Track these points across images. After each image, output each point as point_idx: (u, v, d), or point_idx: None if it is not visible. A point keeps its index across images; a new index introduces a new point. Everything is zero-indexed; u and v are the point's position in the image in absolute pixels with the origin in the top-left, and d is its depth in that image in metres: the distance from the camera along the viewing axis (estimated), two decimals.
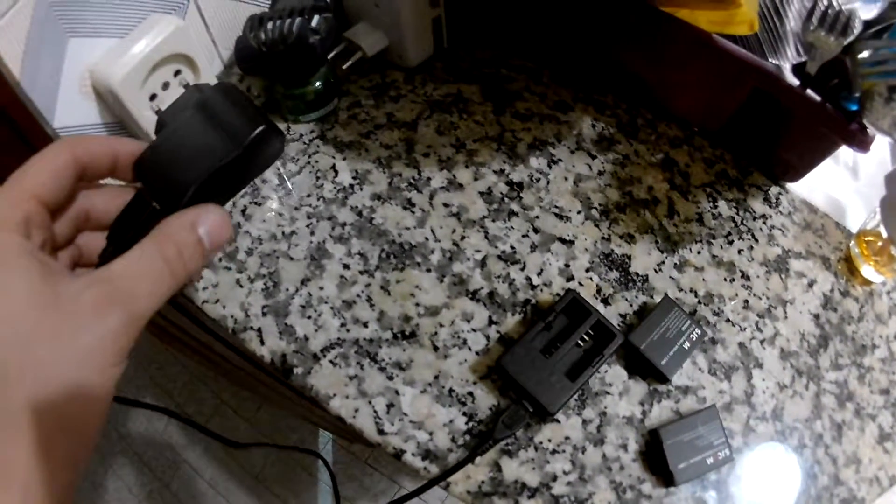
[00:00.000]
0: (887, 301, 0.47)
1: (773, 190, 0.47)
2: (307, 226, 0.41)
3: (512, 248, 0.40)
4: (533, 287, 0.39)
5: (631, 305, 0.39)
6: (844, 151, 0.53)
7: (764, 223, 0.45)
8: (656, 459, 0.36)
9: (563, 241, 0.41)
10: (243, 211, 0.42)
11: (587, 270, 0.40)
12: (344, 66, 0.46)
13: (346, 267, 0.39)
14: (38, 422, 0.17)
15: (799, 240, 0.45)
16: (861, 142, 0.42)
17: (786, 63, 0.45)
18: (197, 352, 0.74)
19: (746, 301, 0.42)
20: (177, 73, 0.43)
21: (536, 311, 0.38)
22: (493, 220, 0.41)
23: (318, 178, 0.43)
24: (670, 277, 0.41)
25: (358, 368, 0.36)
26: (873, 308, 0.46)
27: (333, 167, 0.43)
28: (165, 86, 0.42)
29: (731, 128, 0.46)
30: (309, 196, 0.42)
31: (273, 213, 0.41)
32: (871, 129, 0.42)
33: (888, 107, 0.41)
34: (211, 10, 0.45)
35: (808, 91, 0.42)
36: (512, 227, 0.41)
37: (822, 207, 0.49)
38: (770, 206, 0.46)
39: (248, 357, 0.58)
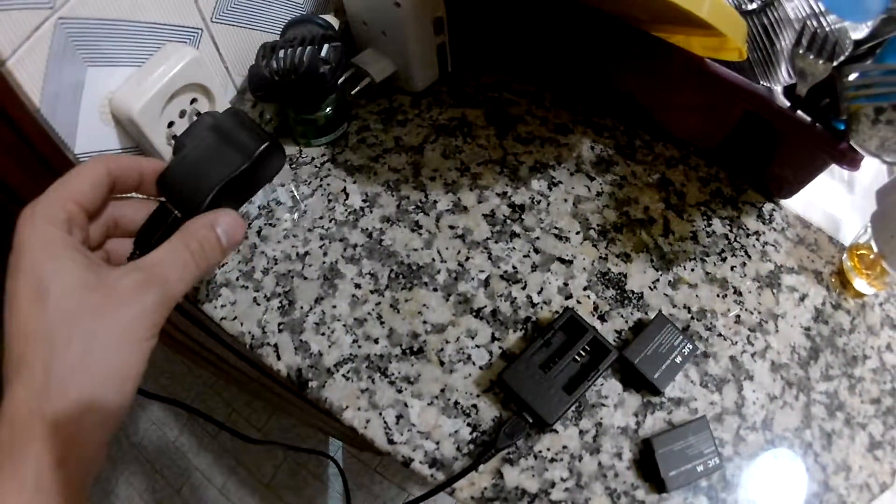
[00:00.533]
0: (879, 313, 0.50)
1: (767, 206, 0.50)
2: (320, 247, 0.45)
3: (514, 268, 0.44)
4: (533, 305, 0.43)
5: (626, 322, 0.43)
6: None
7: (757, 240, 0.49)
8: (649, 467, 0.40)
9: (562, 260, 0.45)
10: (259, 232, 0.46)
11: (585, 289, 0.44)
12: (353, 92, 0.51)
13: (358, 286, 0.43)
14: (81, 383, 0.22)
15: (791, 255, 0.49)
16: (851, 160, 0.46)
17: (778, 85, 0.49)
18: (209, 362, 0.79)
19: (738, 316, 0.45)
20: (193, 100, 0.47)
21: (536, 328, 0.42)
22: (496, 242, 0.45)
23: (329, 200, 0.47)
24: (664, 294, 0.45)
25: (369, 382, 0.40)
26: (865, 320, 0.50)
27: (344, 190, 0.48)
28: (182, 113, 0.46)
29: (726, 147, 0.50)
30: (321, 218, 0.46)
31: (288, 234, 0.46)
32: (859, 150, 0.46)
33: (875, 128, 0.44)
34: (224, 39, 0.50)
35: (799, 112, 0.46)
36: (514, 248, 0.45)
37: (817, 222, 0.52)
38: (763, 223, 0.50)
39: (263, 370, 0.63)
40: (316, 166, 0.49)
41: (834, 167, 0.56)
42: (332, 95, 0.49)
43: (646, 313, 0.44)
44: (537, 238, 0.45)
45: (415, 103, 0.52)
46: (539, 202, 0.47)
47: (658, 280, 0.45)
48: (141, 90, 0.43)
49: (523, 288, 0.44)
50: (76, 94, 0.40)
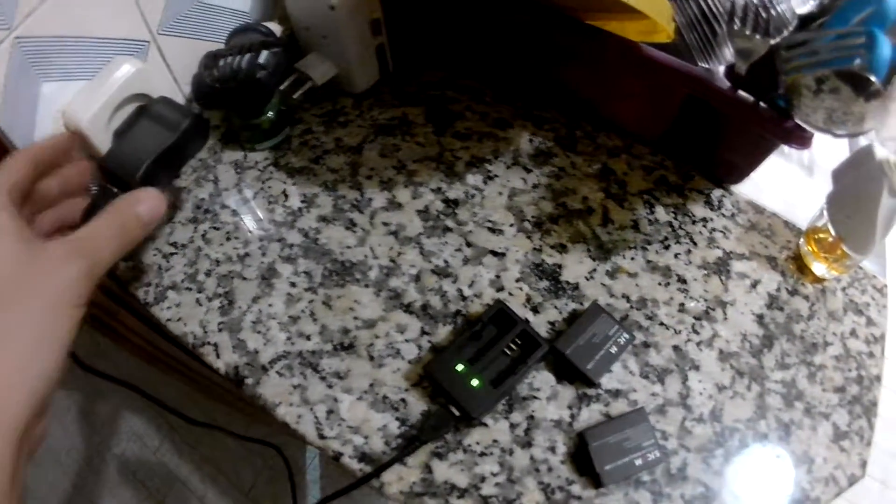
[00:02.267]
0: (841, 297, 0.50)
1: (716, 193, 0.51)
2: (259, 248, 0.47)
3: (445, 262, 0.46)
4: (464, 299, 0.44)
5: (560, 313, 0.44)
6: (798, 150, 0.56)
7: (704, 226, 0.49)
8: (585, 461, 0.40)
9: (494, 253, 0.46)
10: (203, 235, 0.48)
11: (517, 280, 0.45)
12: (295, 96, 0.53)
13: (293, 285, 0.45)
14: (11, 348, 0.24)
15: (742, 241, 0.49)
16: (799, 139, 0.46)
17: (718, 65, 0.49)
18: (183, 374, 0.82)
19: (682, 304, 0.45)
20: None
21: (467, 322, 0.43)
22: (429, 237, 0.46)
23: (270, 202, 0.49)
24: (602, 284, 0.45)
25: (301, 378, 0.42)
26: (826, 305, 0.49)
27: (284, 192, 0.50)
28: None
29: (671, 134, 0.51)
30: (262, 220, 0.48)
31: (230, 236, 0.48)
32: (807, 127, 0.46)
33: (818, 100, 0.44)
34: (171, 50, 0.53)
35: (740, 92, 0.46)
36: (446, 243, 0.46)
37: (773, 207, 0.52)
38: (712, 209, 0.50)
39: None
40: (259, 170, 0.52)
41: (791, 150, 0.56)
42: (273, 100, 0.51)
43: (581, 304, 0.44)
44: (470, 232, 0.47)
45: (356, 104, 0.54)
46: (473, 196, 0.48)
47: (595, 270, 0.46)
48: (88, 103, 0.46)
49: (454, 282, 0.45)
50: (32, 108, 0.43)
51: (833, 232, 0.48)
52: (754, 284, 0.48)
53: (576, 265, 0.45)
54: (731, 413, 0.44)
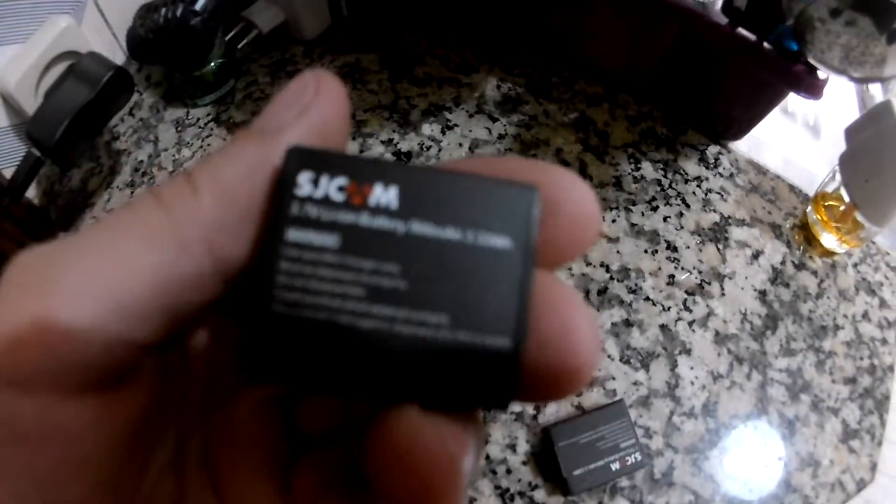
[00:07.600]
0: (853, 275, 0.35)
1: (712, 149, 0.36)
2: None
3: None
4: None
5: None
6: (802, 108, 0.41)
7: (698, 186, 0.34)
8: (551, 464, 0.27)
9: None
10: None
11: None
12: (240, 46, 0.39)
13: None
14: None
15: (742, 205, 0.34)
16: (810, 86, 0.31)
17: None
18: None
19: (672, 276, 0.31)
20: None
21: None
22: None
23: None
24: None
25: None
26: (836, 283, 0.34)
27: None
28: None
29: (660, 80, 0.36)
30: None
31: None
32: (822, 72, 0.31)
33: (832, 34, 0.29)
34: (109, 5, 0.39)
35: (740, 30, 0.31)
36: None
37: (775, 169, 0.37)
38: (707, 168, 0.35)
39: None
40: (200, 127, 0.38)
41: (797, 111, 0.41)
42: (216, 50, 0.38)
43: None
44: None
45: (307, 52, 0.40)
46: (429, 148, 0.34)
47: None
48: (16, 65, 0.34)
49: None
50: None
51: (847, 198, 0.33)
52: (756, 255, 0.33)
53: None
54: (727, 407, 0.30)
